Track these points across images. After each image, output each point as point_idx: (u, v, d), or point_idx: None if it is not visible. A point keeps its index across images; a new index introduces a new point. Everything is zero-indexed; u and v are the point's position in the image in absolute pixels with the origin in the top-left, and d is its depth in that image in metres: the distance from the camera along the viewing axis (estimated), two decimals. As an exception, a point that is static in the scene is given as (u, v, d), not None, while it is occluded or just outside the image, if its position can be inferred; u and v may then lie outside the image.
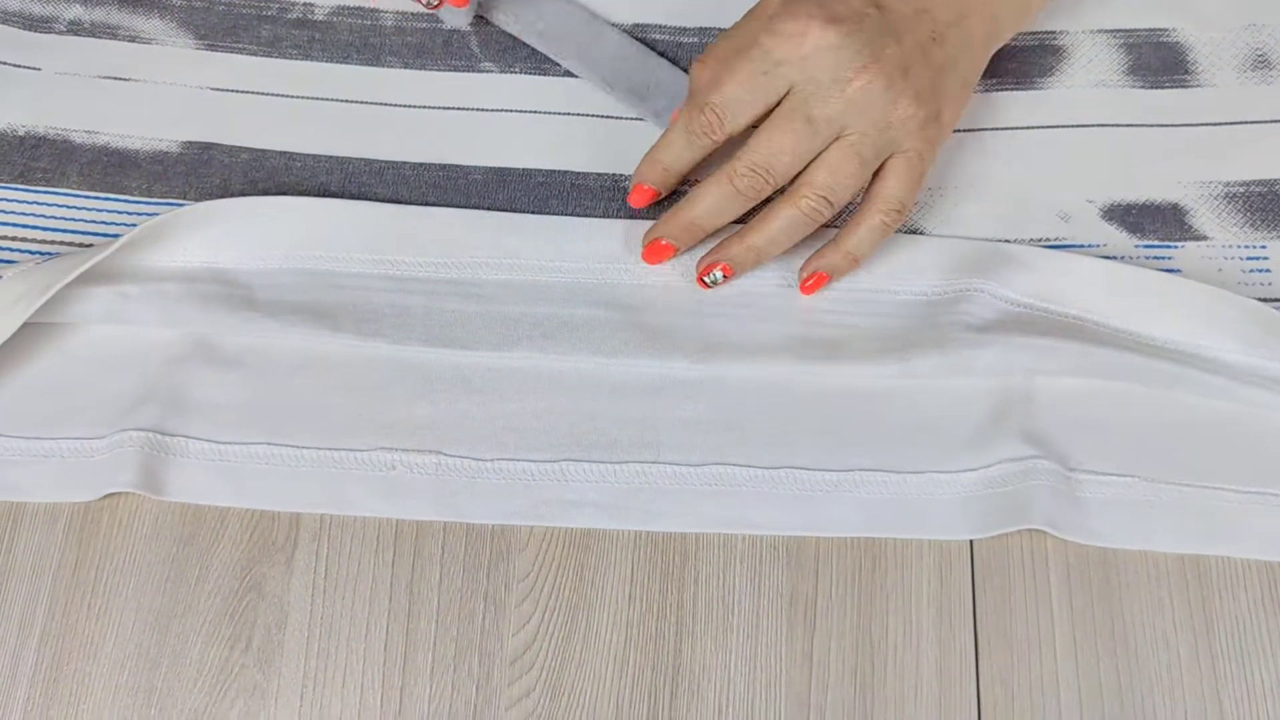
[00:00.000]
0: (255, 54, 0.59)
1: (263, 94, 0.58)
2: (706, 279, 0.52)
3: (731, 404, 0.51)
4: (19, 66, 0.58)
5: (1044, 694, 0.46)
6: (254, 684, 0.46)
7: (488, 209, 0.55)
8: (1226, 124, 0.57)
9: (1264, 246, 0.54)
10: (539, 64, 0.59)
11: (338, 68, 0.59)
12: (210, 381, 0.51)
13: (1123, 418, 0.50)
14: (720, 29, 0.55)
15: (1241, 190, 0.56)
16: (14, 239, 0.54)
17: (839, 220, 0.54)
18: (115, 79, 0.58)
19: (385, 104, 0.58)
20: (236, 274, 0.53)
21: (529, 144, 0.57)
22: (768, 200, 0.52)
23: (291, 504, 0.49)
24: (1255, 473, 0.49)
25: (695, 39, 0.60)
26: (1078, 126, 0.57)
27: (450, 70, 0.59)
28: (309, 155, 0.56)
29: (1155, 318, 0.52)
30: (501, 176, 0.56)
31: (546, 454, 0.50)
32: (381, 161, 0.56)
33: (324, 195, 0.55)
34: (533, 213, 0.55)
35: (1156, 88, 0.58)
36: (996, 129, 0.57)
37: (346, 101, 0.58)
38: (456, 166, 0.56)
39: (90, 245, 0.54)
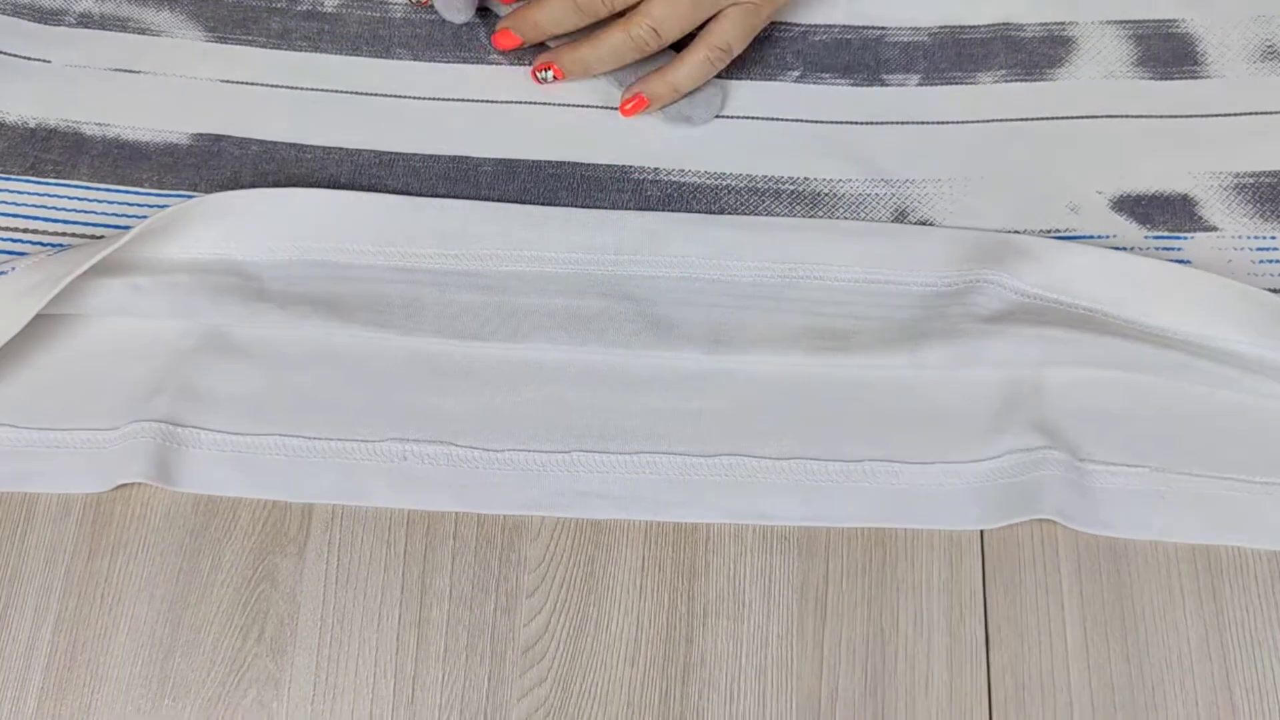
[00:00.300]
0: (265, 46, 0.59)
1: (273, 86, 0.58)
2: (539, 75, 0.57)
3: (742, 395, 0.51)
4: (30, 59, 0.58)
5: (1055, 684, 0.46)
6: (267, 673, 0.46)
7: (498, 200, 0.55)
8: (1236, 115, 0.57)
9: (1274, 237, 0.54)
10: (548, 56, 0.59)
11: (347, 60, 0.59)
12: (222, 372, 0.51)
13: (1133, 408, 0.50)
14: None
15: (1251, 181, 0.55)
16: (25, 231, 0.54)
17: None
18: (125, 71, 0.58)
19: (395, 96, 0.58)
20: (248, 265, 0.53)
21: (539, 135, 0.57)
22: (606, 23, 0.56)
23: (303, 494, 0.49)
24: (1266, 463, 0.49)
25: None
26: (1087, 118, 0.57)
27: (460, 62, 0.59)
28: (319, 147, 0.56)
29: (1165, 309, 0.51)
30: (511, 168, 0.56)
31: (558, 445, 0.50)
32: (391, 153, 0.56)
33: (334, 187, 0.55)
34: (543, 204, 0.55)
35: (1166, 79, 0.58)
36: (1005, 120, 0.57)
37: (356, 94, 0.58)
38: (466, 158, 0.56)
39: (101, 237, 0.54)
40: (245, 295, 0.51)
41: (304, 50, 0.59)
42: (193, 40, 0.59)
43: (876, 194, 0.56)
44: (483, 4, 0.59)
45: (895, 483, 0.49)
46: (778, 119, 0.58)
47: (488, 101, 0.58)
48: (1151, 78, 0.58)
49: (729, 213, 0.55)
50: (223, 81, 0.58)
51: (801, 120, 0.58)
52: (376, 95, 0.58)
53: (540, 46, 0.58)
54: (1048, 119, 0.57)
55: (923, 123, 0.58)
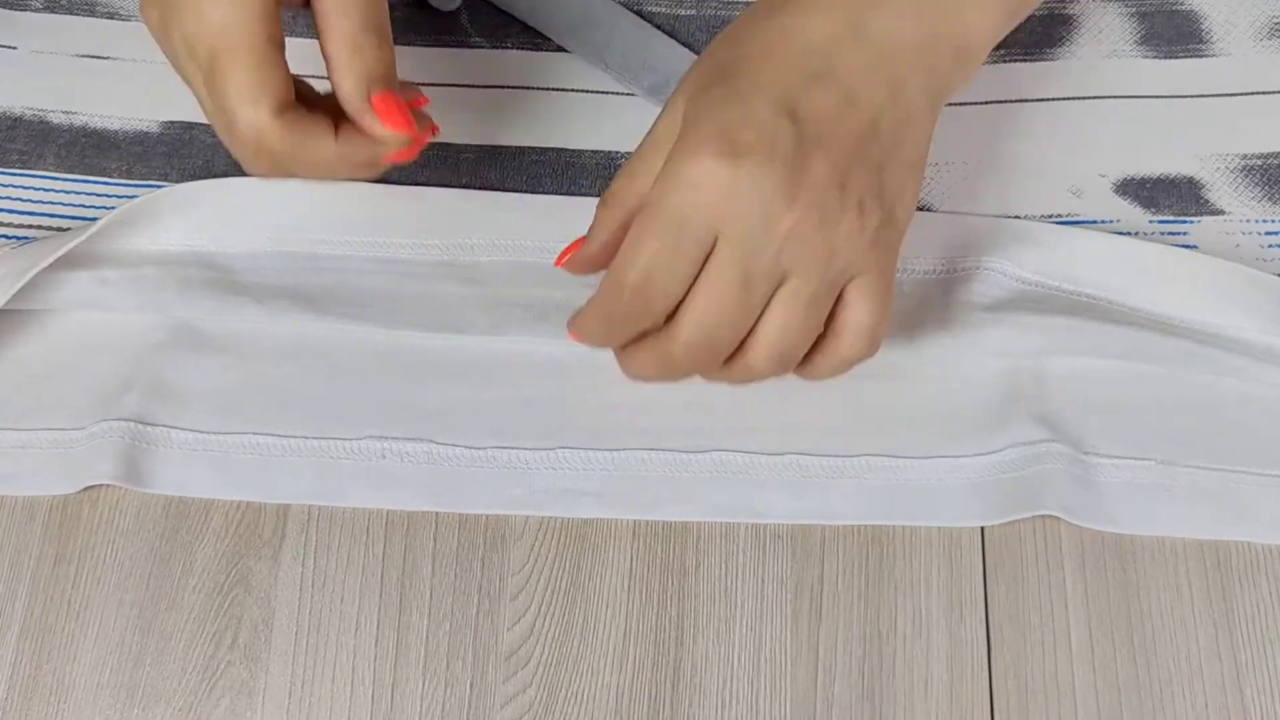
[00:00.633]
0: (238, 30, 0.58)
1: (246, 72, 0.57)
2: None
3: (733, 388, 0.49)
4: (-6, 45, 0.57)
5: (1059, 686, 0.45)
6: (240, 681, 0.45)
7: (479, 188, 0.54)
8: (1243, 94, 0.56)
9: (1283, 221, 0.53)
10: (531, 39, 0.58)
11: (324, 44, 0.58)
12: (193, 369, 0.50)
13: (1138, 399, 0.49)
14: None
15: (1259, 163, 0.55)
16: (-10, 223, 0.53)
17: None
18: (94, 57, 0.57)
19: (373, 80, 0.57)
20: (219, 257, 0.51)
21: (521, 121, 0.56)
22: None
23: (278, 495, 0.48)
24: (1276, 454, 0.48)
25: (692, 11, 0.58)
26: (1089, 98, 0.56)
27: (440, 46, 0.58)
28: (294, 134, 0.55)
29: (1170, 295, 0.51)
30: (493, 155, 0.55)
31: (542, 441, 0.49)
32: (369, 140, 0.55)
33: (310, 176, 0.54)
34: (526, 192, 0.54)
35: (1170, 58, 0.57)
36: (1005, 101, 0.56)
37: (333, 79, 0.57)
38: (447, 145, 0.55)
39: (68, 229, 0.53)
40: (217, 288, 0.50)
41: (279, 35, 0.58)
42: (164, 25, 0.58)
43: (872, 179, 0.54)
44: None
45: (892, 478, 0.48)
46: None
47: (469, 86, 0.57)
48: (1155, 56, 0.57)
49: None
50: (195, 68, 0.57)
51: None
52: (354, 80, 0.57)
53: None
54: (1048, 100, 0.56)
55: (919, 105, 0.57)
